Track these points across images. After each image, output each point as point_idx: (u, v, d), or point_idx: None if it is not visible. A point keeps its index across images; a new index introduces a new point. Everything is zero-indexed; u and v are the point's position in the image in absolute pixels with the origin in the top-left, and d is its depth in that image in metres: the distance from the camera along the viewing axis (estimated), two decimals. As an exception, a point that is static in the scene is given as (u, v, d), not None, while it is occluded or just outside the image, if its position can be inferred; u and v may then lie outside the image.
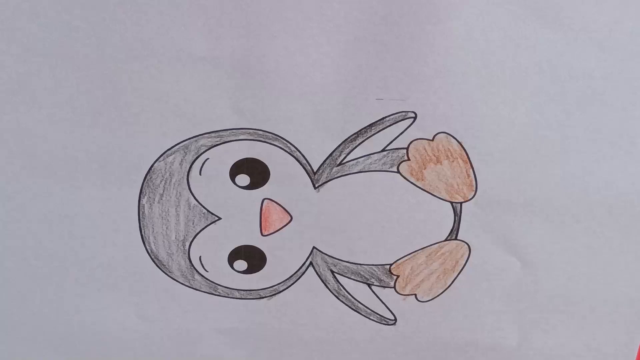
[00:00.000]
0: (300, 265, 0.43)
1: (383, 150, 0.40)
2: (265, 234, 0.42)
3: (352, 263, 0.43)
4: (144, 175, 0.40)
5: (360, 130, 0.39)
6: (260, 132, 0.39)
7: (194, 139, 0.39)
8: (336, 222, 0.42)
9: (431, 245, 0.42)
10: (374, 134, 0.39)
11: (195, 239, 0.42)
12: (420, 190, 0.41)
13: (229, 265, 0.42)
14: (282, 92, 0.38)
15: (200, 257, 0.42)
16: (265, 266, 0.43)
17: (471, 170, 0.40)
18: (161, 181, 0.40)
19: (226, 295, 0.43)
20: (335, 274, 0.43)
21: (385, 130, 0.39)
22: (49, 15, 0.36)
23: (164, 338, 0.44)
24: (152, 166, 0.40)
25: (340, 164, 0.40)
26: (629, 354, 0.45)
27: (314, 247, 0.42)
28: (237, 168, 0.40)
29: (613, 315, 0.44)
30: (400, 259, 0.43)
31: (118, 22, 0.36)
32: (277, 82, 0.38)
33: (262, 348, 0.45)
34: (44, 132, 0.38)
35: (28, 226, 0.41)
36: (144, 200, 0.40)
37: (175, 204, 0.41)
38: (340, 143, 0.40)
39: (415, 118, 0.39)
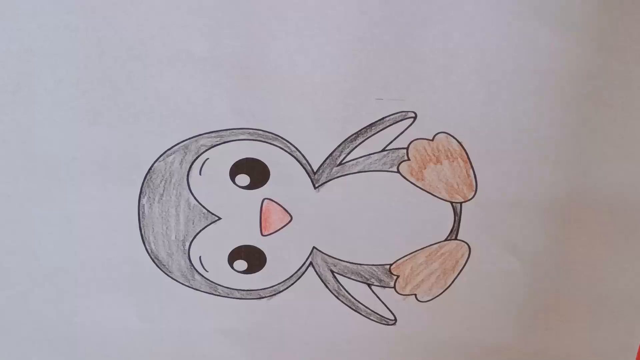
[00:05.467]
0: (300, 265, 0.43)
1: (383, 150, 0.40)
2: (265, 234, 0.42)
3: (352, 263, 0.43)
4: (144, 175, 0.40)
5: (360, 130, 0.39)
6: (260, 132, 0.39)
7: (194, 139, 0.39)
8: (336, 222, 0.42)
9: (431, 245, 0.42)
10: (374, 134, 0.39)
11: (195, 239, 0.42)
12: (420, 190, 0.41)
13: (229, 265, 0.42)
14: (282, 92, 0.38)
15: (200, 257, 0.42)
16: (265, 266, 0.43)
17: (471, 170, 0.40)
18: (161, 181, 0.40)
19: (226, 295, 0.43)
20: (335, 274, 0.43)
21: (385, 130, 0.39)
22: (49, 15, 0.36)
23: (164, 338, 0.44)
24: (152, 166, 0.40)
25: (340, 164, 0.40)
26: (629, 354, 0.45)
27: (314, 247, 0.42)
28: (237, 168, 0.40)
29: (613, 315, 0.44)
30: (400, 259, 0.43)
31: (118, 22, 0.36)
32: (277, 82, 0.38)
33: (262, 348, 0.45)
34: (44, 132, 0.38)
35: (28, 226, 0.41)
36: (144, 200, 0.40)
37: (175, 204, 0.41)
38: (340, 143, 0.40)
39: (415, 118, 0.39)
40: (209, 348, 0.45)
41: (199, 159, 0.40)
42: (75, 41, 0.36)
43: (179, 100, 0.38)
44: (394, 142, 0.40)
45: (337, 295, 0.44)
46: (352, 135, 0.40)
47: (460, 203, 0.41)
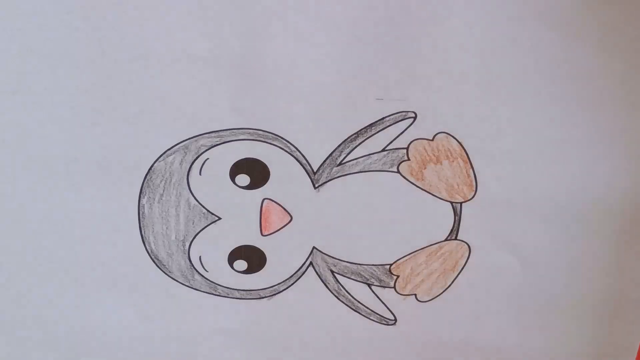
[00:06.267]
0: (300, 265, 0.43)
1: (383, 150, 0.40)
2: (265, 234, 0.42)
3: (352, 263, 0.43)
4: (144, 175, 0.40)
5: (360, 130, 0.39)
6: (260, 132, 0.39)
7: (194, 139, 0.39)
8: (336, 222, 0.42)
9: (431, 245, 0.42)
10: (374, 134, 0.39)
11: (195, 239, 0.42)
12: (420, 190, 0.41)
13: (229, 265, 0.42)
14: (282, 92, 0.38)
15: (200, 257, 0.42)
16: (265, 266, 0.43)
17: (471, 170, 0.40)
18: (161, 181, 0.40)
19: (226, 295, 0.43)
20: (335, 274, 0.43)
21: (385, 130, 0.39)
22: (49, 15, 0.36)
23: (164, 338, 0.44)
24: (152, 166, 0.40)
25: (340, 164, 0.40)
26: (629, 354, 0.45)
27: (314, 247, 0.42)
28: (237, 168, 0.40)
29: (613, 315, 0.44)
30: (400, 259, 0.43)
31: (118, 22, 0.36)
32: (277, 82, 0.38)
33: (262, 348, 0.45)
34: (44, 132, 0.38)
35: (28, 226, 0.41)
36: (144, 200, 0.40)
37: (175, 204, 0.41)
38: (340, 143, 0.40)
39: (415, 118, 0.39)
40: (209, 348, 0.45)
41: (199, 159, 0.40)
42: (75, 41, 0.36)
43: (179, 100, 0.38)
44: (394, 142, 0.40)
45: (337, 295, 0.44)
46: (352, 135, 0.40)
47: (460, 203, 0.41)
